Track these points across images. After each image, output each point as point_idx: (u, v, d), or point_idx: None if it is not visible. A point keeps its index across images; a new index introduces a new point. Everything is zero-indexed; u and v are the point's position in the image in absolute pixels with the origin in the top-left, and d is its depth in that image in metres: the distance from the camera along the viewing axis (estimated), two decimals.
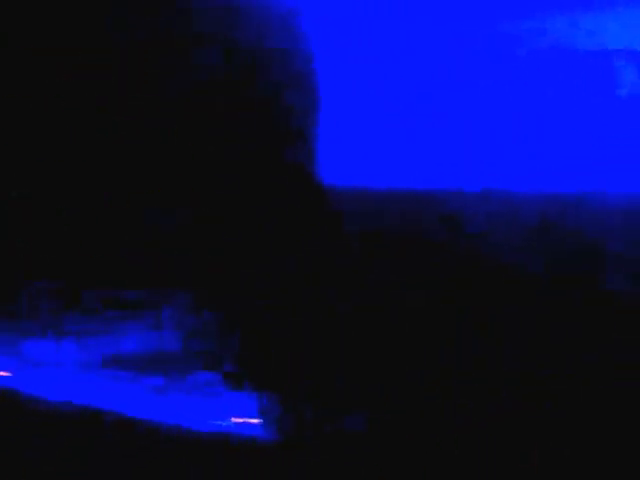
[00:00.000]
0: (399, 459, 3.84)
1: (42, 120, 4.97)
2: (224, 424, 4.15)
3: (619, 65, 4.20)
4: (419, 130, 4.38)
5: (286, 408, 4.11)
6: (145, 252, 4.58)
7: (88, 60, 5.02)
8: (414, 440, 3.86)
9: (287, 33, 4.54)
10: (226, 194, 4.63)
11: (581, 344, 3.94)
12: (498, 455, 3.80)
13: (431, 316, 4.09)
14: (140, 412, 4.31)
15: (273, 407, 4.13)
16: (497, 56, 4.33)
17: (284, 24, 4.55)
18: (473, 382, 3.94)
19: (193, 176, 4.70)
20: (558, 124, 4.25)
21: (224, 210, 4.61)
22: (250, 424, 4.13)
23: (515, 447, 3.80)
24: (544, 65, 4.29)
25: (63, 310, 4.77)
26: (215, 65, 4.71)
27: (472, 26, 4.34)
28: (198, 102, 4.72)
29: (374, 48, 4.43)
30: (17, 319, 4.87)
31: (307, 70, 4.53)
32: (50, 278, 4.75)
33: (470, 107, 4.34)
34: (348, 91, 4.49)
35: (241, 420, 4.14)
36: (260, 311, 4.34)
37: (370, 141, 4.47)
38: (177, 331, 4.48)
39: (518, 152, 4.28)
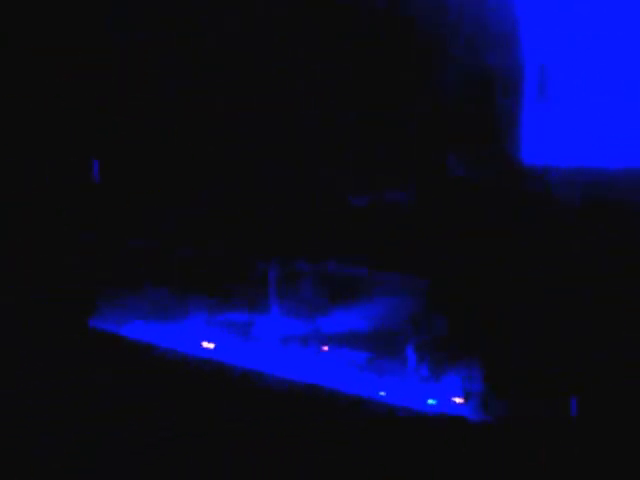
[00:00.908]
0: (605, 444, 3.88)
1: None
2: (428, 403, 4.28)
3: None
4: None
5: (494, 390, 4.19)
6: (360, 235, 4.74)
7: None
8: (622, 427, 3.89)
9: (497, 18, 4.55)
10: (431, 177, 4.72)
11: None
12: None
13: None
14: (348, 387, 4.50)
15: (482, 389, 4.22)
16: None
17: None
18: None
19: (397, 160, 4.80)
20: None
21: (426, 195, 4.71)
22: (457, 404, 4.24)
23: None
24: None
25: (276, 287, 5.01)
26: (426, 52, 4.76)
27: None
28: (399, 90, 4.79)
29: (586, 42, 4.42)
30: (229, 295, 5.16)
31: (514, 56, 4.53)
32: (267, 258, 4.99)
33: None
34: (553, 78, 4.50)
35: (448, 399, 4.26)
36: (468, 294, 4.42)
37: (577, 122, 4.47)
38: (388, 312, 4.64)
39: None
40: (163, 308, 5.32)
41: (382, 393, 4.42)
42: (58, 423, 4.98)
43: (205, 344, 5.07)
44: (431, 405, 4.29)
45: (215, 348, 5.03)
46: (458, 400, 4.25)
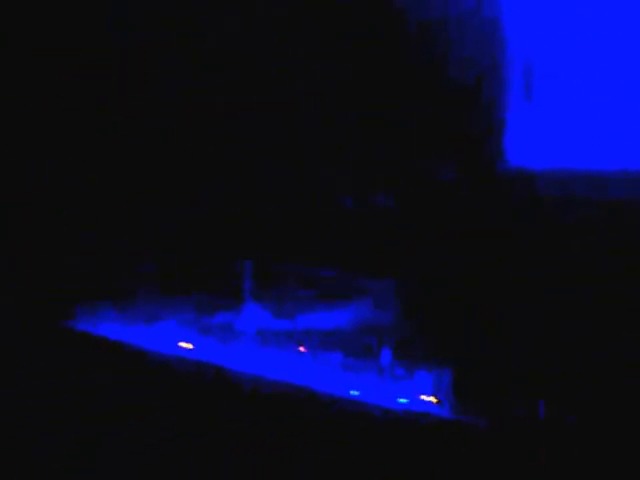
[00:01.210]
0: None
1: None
2: (400, 402, 4.22)
3: None
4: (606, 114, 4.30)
5: (464, 388, 4.12)
6: (343, 236, 4.70)
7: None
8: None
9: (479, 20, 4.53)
10: (419, 181, 4.68)
11: None
12: None
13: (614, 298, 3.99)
14: (320, 386, 4.46)
15: (452, 387, 4.15)
16: None
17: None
18: None
19: (382, 163, 4.77)
20: None
21: (416, 196, 4.66)
22: (427, 402, 4.18)
23: None
24: None
25: (258, 286, 4.98)
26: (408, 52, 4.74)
27: None
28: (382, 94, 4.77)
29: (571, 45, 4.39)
30: (212, 294, 5.13)
31: (497, 58, 4.51)
32: (250, 257, 4.96)
33: None
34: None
35: (419, 398, 4.20)
36: (442, 293, 4.36)
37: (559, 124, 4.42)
38: (367, 312, 4.60)
39: None
40: (142, 309, 5.29)
41: (355, 392, 4.36)
42: (35, 423, 4.96)
43: (183, 344, 5.02)
44: (402, 404, 4.22)
45: (194, 348, 4.99)
46: (429, 399, 4.18)
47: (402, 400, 4.23)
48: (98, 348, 5.29)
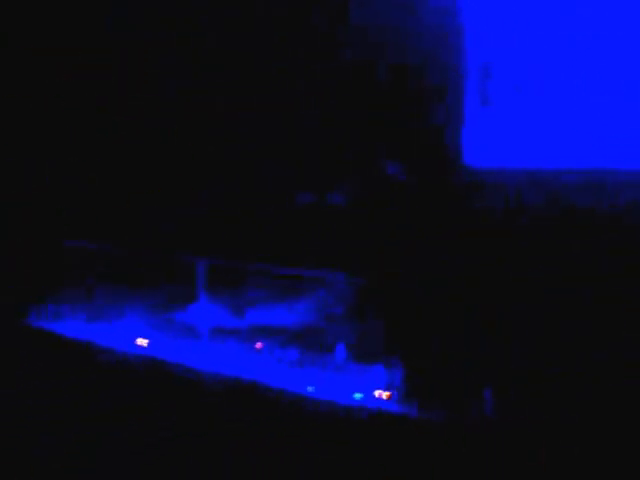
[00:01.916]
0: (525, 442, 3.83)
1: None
2: (355, 397, 4.24)
3: None
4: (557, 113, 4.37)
5: (416, 384, 4.16)
6: (298, 233, 4.73)
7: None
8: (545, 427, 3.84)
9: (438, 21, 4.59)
10: (380, 178, 4.73)
11: None
12: None
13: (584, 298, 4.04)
14: (276, 382, 4.47)
15: (405, 382, 4.19)
16: None
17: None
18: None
19: (352, 161, 4.81)
20: None
21: (369, 195, 4.71)
22: (380, 398, 4.21)
23: None
24: None
25: (213, 284, 4.99)
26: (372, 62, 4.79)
27: None
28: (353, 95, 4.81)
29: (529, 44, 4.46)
30: (170, 290, 5.13)
31: (455, 61, 4.57)
32: (216, 254, 4.97)
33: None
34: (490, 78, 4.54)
35: (373, 393, 4.23)
36: (395, 289, 4.40)
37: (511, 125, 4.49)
38: (321, 309, 4.62)
39: None
40: (100, 306, 5.29)
41: (310, 388, 4.39)
42: None
43: (139, 341, 5.02)
44: (357, 399, 4.25)
45: (149, 345, 4.99)
46: (382, 394, 4.21)
47: (357, 395, 4.26)
48: (56, 346, 5.28)
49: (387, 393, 4.20)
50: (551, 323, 3.97)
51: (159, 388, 4.77)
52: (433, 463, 3.90)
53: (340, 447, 4.15)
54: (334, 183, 4.80)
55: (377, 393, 4.23)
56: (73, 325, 5.31)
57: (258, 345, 4.69)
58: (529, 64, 4.45)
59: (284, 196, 4.84)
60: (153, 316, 5.08)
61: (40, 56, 5.58)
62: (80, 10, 5.45)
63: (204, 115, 5.02)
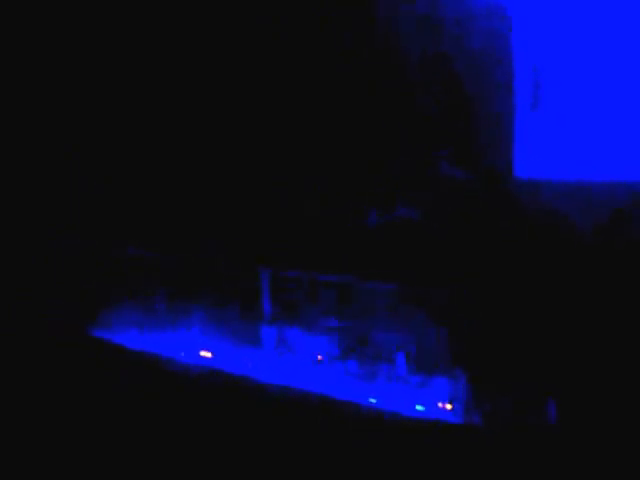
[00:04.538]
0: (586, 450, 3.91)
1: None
2: (417, 409, 4.33)
3: None
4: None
5: (480, 395, 4.24)
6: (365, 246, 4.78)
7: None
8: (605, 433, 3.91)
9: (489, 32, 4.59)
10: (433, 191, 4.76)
11: None
12: None
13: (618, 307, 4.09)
14: (338, 394, 4.58)
15: (467, 394, 4.27)
16: None
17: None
18: None
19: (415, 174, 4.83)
20: None
21: (428, 206, 4.75)
22: (443, 409, 4.30)
23: None
24: None
25: (286, 294, 5.05)
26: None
27: None
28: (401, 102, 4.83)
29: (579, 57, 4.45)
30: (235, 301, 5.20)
31: (506, 71, 4.58)
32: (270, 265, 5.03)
33: None
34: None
35: (436, 405, 4.32)
36: (457, 301, 4.47)
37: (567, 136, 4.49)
38: (379, 321, 4.70)
39: None
40: (163, 317, 5.39)
41: (373, 400, 4.49)
42: (54, 430, 5.06)
43: (203, 353, 5.13)
44: (419, 411, 4.34)
45: (213, 356, 5.10)
46: (445, 405, 4.30)
47: (419, 407, 4.36)
48: (119, 357, 5.40)
49: (450, 405, 4.30)
50: (617, 335, 4.03)
51: (223, 400, 4.88)
52: (496, 475, 4.00)
53: (404, 458, 4.25)
54: (402, 198, 4.82)
55: (440, 405, 4.32)
56: (135, 336, 5.43)
57: (319, 357, 4.79)
58: (581, 69, 4.43)
59: (354, 214, 4.88)
60: (217, 327, 5.18)
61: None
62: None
63: (270, 131, 5.06)
